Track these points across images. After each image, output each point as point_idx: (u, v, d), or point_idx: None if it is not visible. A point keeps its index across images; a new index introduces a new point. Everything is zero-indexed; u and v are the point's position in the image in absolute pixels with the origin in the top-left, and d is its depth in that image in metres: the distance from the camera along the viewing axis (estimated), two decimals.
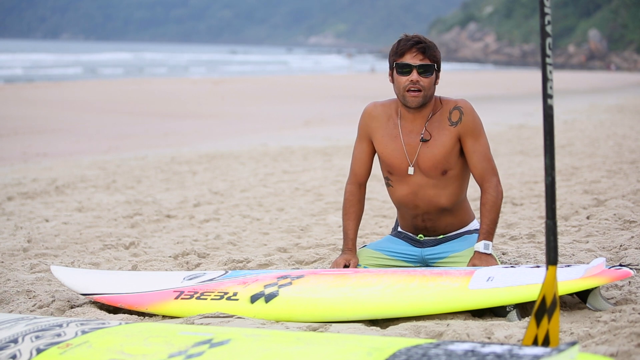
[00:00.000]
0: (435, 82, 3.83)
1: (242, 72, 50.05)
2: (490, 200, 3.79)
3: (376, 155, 4.03)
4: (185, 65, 58.83)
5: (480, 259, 3.73)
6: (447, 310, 3.32)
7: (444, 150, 3.83)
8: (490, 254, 3.74)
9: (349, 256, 3.94)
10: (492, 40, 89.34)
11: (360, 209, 4.04)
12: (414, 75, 3.76)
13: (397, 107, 3.92)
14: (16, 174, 9.11)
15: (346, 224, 4.01)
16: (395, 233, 4.10)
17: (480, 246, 3.75)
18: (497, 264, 3.74)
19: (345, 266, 3.91)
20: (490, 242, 3.76)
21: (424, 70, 3.76)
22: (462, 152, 3.88)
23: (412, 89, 3.76)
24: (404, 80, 3.78)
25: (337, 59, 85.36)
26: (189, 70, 50.48)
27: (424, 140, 3.85)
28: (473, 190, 6.16)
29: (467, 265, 3.74)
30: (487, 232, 3.77)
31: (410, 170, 3.87)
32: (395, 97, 3.93)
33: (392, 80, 3.85)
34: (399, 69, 3.78)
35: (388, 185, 3.99)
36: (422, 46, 3.76)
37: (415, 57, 3.76)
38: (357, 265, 3.95)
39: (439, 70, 3.83)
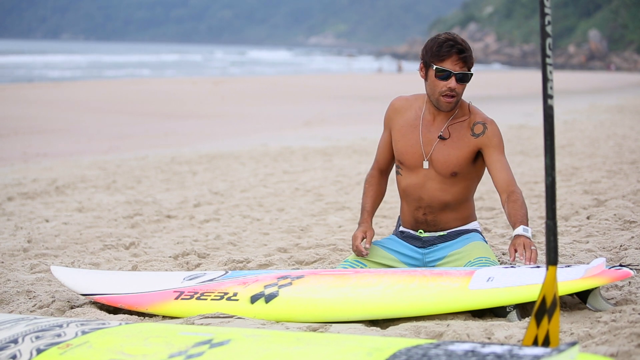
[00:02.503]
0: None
1: (288, 71, 51.02)
2: (520, 199, 3.80)
3: None
4: (226, 66, 59.55)
5: (520, 240, 3.64)
6: (447, 311, 3.32)
7: (459, 153, 3.88)
8: (529, 238, 3.67)
9: (364, 228, 3.96)
10: (492, 40, 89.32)
11: (380, 190, 4.10)
12: (452, 82, 3.79)
13: (422, 102, 3.98)
14: (16, 174, 9.12)
15: (363, 200, 4.08)
16: (397, 233, 4.10)
17: (520, 230, 3.68)
18: (534, 247, 3.68)
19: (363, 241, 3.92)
20: (529, 228, 3.71)
21: (463, 79, 3.80)
22: (474, 162, 3.91)
23: (448, 94, 3.81)
24: (441, 85, 3.81)
25: (369, 60, 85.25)
26: (231, 70, 51.66)
27: (442, 138, 3.90)
28: (478, 194, 6.16)
29: (510, 246, 3.69)
30: (522, 221, 3.73)
31: (425, 165, 3.92)
32: (419, 93, 4.01)
33: (425, 77, 3.87)
34: (437, 73, 3.80)
35: (397, 173, 4.05)
36: (464, 56, 3.78)
37: (456, 65, 3.78)
38: (372, 238, 3.92)
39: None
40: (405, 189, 4.01)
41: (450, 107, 3.85)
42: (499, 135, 3.90)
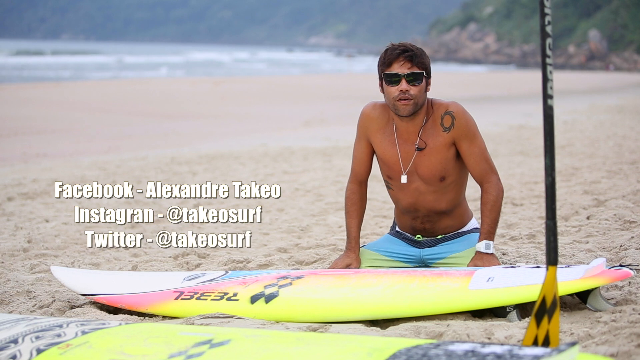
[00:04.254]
0: (426, 89, 3.78)
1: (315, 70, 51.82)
2: (492, 200, 3.79)
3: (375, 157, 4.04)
4: (264, 67, 60.03)
5: (482, 259, 3.73)
6: (447, 311, 3.32)
7: (440, 157, 3.81)
8: (491, 254, 3.74)
9: (350, 260, 3.92)
10: (492, 40, 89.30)
11: (362, 206, 4.03)
12: (403, 84, 3.71)
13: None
14: (16, 174, 9.12)
15: (348, 222, 3.99)
16: (394, 232, 4.09)
17: (481, 246, 3.75)
18: (499, 263, 3.74)
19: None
20: (491, 242, 3.76)
21: (413, 79, 3.71)
22: (458, 156, 3.86)
23: (402, 98, 3.72)
24: (393, 90, 3.73)
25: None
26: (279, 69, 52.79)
27: (419, 149, 3.83)
28: (473, 191, 6.16)
29: (468, 266, 3.75)
30: (489, 232, 3.77)
31: (404, 179, 3.85)
32: None
33: (382, 91, 3.81)
34: (387, 79, 3.74)
35: (389, 188, 3.99)
36: (409, 54, 3.71)
37: (403, 66, 3.71)
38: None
39: (429, 77, 3.78)
40: (400, 203, 3.96)
41: (408, 111, 3.73)
42: (467, 120, 3.78)
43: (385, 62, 3.75)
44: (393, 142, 3.87)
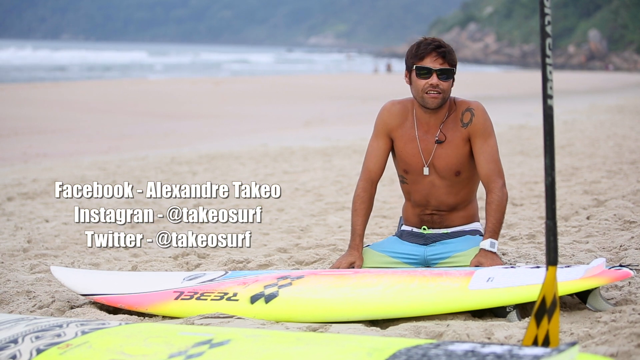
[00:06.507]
0: (452, 85, 3.89)
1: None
2: (496, 201, 3.82)
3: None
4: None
5: (486, 257, 3.73)
6: (447, 311, 3.32)
7: (457, 152, 3.89)
8: (495, 253, 3.76)
9: (353, 258, 3.94)
10: (492, 40, 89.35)
11: (370, 206, 4.06)
12: (434, 79, 3.81)
13: (413, 107, 3.97)
14: (16, 174, 9.12)
15: (354, 220, 4.02)
16: (399, 233, 4.11)
17: (486, 244, 3.76)
18: (502, 263, 3.75)
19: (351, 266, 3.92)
20: (496, 241, 3.78)
21: (446, 76, 3.82)
22: (473, 154, 3.92)
23: (432, 91, 3.82)
24: (423, 83, 3.83)
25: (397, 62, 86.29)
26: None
27: (439, 142, 3.90)
28: (479, 192, 6.16)
29: (471, 263, 3.75)
30: (493, 231, 3.79)
31: (426, 171, 3.93)
32: (411, 96, 3.98)
33: (409, 82, 3.90)
34: (418, 72, 3.83)
35: (403, 182, 4.04)
36: (442, 51, 3.82)
37: (436, 62, 3.82)
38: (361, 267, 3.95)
39: (455, 72, 3.89)
40: (412, 195, 4.02)
41: (436, 104, 3.84)
42: (485, 119, 3.90)
43: (417, 55, 3.85)
44: (413, 136, 3.95)
